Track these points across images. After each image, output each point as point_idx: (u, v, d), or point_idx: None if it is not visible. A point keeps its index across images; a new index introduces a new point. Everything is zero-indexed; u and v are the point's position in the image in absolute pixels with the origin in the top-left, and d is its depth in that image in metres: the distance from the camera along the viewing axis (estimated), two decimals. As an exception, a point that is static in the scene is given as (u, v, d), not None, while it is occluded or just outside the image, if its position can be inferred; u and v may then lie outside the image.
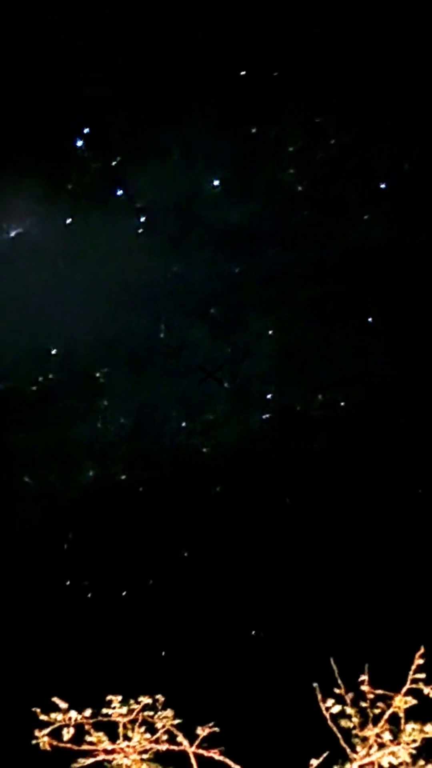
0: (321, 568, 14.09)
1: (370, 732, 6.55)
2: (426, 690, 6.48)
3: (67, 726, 6.66)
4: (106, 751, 6.70)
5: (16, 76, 14.31)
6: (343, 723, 6.64)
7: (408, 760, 6.56)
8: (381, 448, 14.83)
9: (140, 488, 15.11)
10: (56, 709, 6.70)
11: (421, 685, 6.48)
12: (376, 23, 14.26)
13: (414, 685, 6.48)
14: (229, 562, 14.43)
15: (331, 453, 14.94)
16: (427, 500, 14.57)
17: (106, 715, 6.69)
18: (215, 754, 6.71)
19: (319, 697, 6.69)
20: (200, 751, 6.70)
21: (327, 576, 13.93)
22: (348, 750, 6.64)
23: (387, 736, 6.53)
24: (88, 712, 6.69)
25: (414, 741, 6.50)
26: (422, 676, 6.49)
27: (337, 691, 6.67)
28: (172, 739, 6.71)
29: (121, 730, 6.69)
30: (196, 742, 6.69)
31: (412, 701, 6.49)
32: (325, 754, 6.70)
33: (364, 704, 6.60)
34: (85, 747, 6.70)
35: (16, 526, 14.79)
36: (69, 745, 6.69)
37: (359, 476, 14.60)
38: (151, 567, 14.67)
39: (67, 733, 6.67)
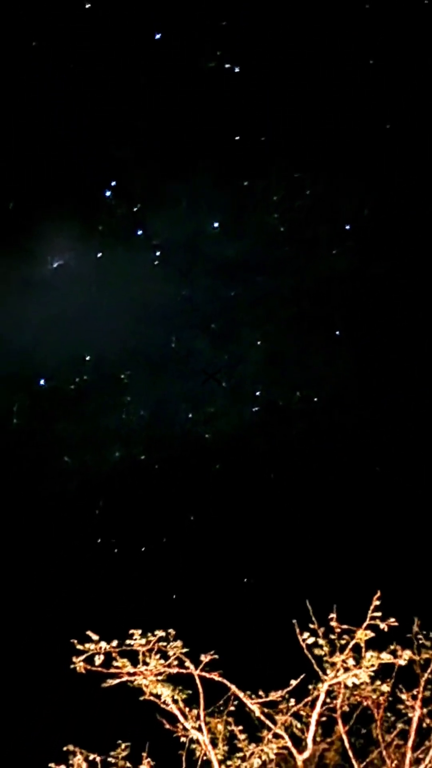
0: (299, 528, 14.08)
1: (338, 658, 6.53)
2: (382, 625, 6.47)
3: (98, 654, 6.65)
4: (129, 674, 6.69)
5: (60, 143, 14.34)
6: (316, 651, 6.63)
7: (367, 680, 6.55)
8: (346, 434, 14.82)
9: (156, 466, 15.09)
10: (89, 640, 6.68)
11: (378, 621, 6.47)
12: (339, 101, 14.30)
13: (372, 621, 6.47)
14: (225, 524, 14.42)
15: (306, 438, 14.94)
16: (382, 475, 14.59)
17: (129, 645, 6.68)
18: (215, 676, 6.70)
19: (297, 630, 6.68)
20: (203, 673, 6.69)
21: (304, 535, 13.93)
22: (320, 673, 6.63)
23: (351, 662, 6.52)
24: (114, 643, 6.68)
25: (372, 666, 6.49)
26: (379, 614, 6.48)
27: (311, 626, 6.66)
28: (181, 664, 6.70)
29: (140, 657, 6.68)
30: (200, 666, 6.68)
31: (370, 634, 6.47)
32: (302, 676, 6.69)
33: (332, 636, 6.59)
34: (112, 670, 6.69)
35: (57, 495, 14.78)
36: (99, 669, 6.67)
37: (329, 456, 14.60)
38: (164, 528, 14.66)
39: (98, 659, 6.66)
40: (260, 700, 6.73)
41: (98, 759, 6.87)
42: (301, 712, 6.76)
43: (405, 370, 14.92)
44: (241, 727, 6.84)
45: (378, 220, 14.87)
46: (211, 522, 14.58)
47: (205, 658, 6.68)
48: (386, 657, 6.47)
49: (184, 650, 6.69)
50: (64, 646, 6.71)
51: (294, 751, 6.71)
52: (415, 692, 6.67)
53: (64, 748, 6.97)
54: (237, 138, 14.53)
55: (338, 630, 6.55)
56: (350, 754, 6.78)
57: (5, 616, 12.76)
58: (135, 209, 15.00)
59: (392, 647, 6.52)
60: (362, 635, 6.45)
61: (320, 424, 15.03)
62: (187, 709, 6.76)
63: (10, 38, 14.08)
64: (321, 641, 6.58)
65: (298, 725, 6.81)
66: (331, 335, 15.27)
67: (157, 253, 15.11)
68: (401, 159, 14.60)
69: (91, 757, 6.89)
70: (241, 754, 6.74)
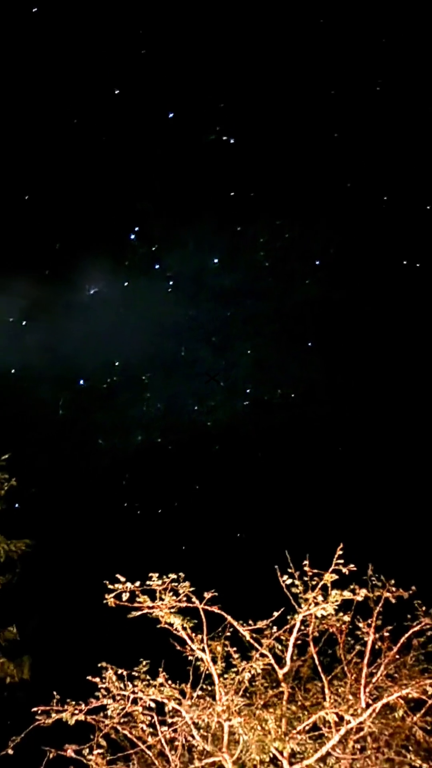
0: (280, 494, 14.07)
1: (310, 595, 6.50)
2: (344, 570, 6.43)
3: (125, 592, 6.61)
4: (149, 607, 6.65)
5: (95, 199, 14.36)
6: (293, 590, 6.59)
7: (333, 612, 6.51)
8: (315, 422, 14.81)
9: (169, 447, 15.08)
10: (118, 581, 6.66)
11: (341, 567, 6.44)
12: (311, 166, 14.33)
13: (336, 567, 6.43)
14: (223, 492, 14.40)
15: (285, 425, 14.93)
16: (344, 453, 14.59)
17: (148, 585, 6.64)
18: (215, 609, 6.66)
19: (278, 573, 6.65)
20: (206, 607, 6.65)
21: (282, 500, 13.91)
22: (296, 606, 6.60)
23: (320, 598, 6.48)
24: (137, 583, 6.64)
25: (336, 601, 6.45)
26: (342, 561, 6.45)
27: (289, 570, 6.63)
28: (188, 600, 6.66)
29: (157, 594, 6.65)
30: (204, 602, 6.64)
31: (335, 576, 6.43)
32: (282, 609, 6.66)
33: (306, 578, 6.56)
34: (135, 605, 6.66)
35: (93, 470, 14.77)
36: (126, 604, 6.65)
37: (303, 439, 14.59)
38: (176, 495, 14.65)
39: (125, 596, 6.62)
40: (250, 628, 6.69)
41: (125, 673, 6.84)
42: (282, 637, 6.72)
43: (362, 373, 14.92)
44: (235, 649, 6.80)
45: (341, 258, 14.89)
46: (212, 490, 14.57)
47: (207, 595, 6.63)
48: (347, 594, 6.43)
49: (191, 589, 6.64)
50: (98, 586, 6.69)
51: (276, 666, 6.68)
52: (369, 621, 6.63)
53: (99, 665, 6.94)
54: (232, 194, 14.55)
55: (310, 573, 6.50)
56: (320, 669, 6.75)
57: (53, 565, 12.74)
58: (153, 249, 15.02)
59: (352, 587, 6.48)
60: (329, 577, 6.41)
61: (296, 414, 15.03)
62: (193, 635, 6.73)
63: (57, 117, 14.10)
64: (297, 582, 6.54)
65: (279, 647, 6.78)
66: (304, 346, 15.28)
67: (170, 283, 15.13)
68: (359, 210, 14.62)
69: (119, 671, 6.86)
70: (235, 669, 6.71)
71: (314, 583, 6.53)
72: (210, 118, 14.22)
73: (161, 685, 6.71)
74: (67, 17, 13.71)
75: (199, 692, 6.74)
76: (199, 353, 15.31)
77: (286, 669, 6.74)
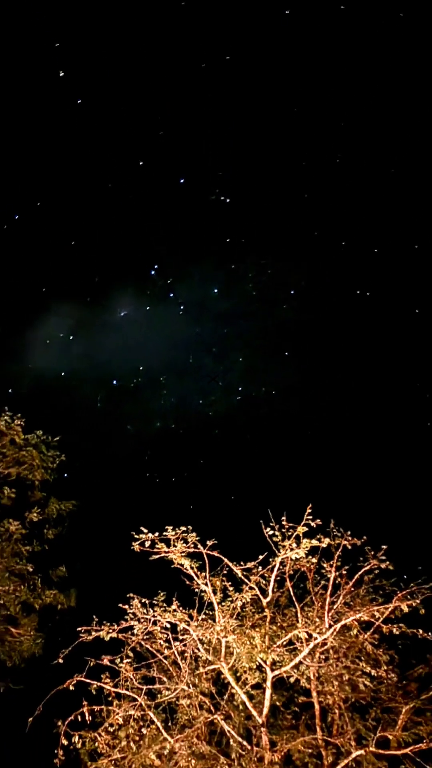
0: (262, 467, 14.06)
1: (286, 543, 6.52)
2: (312, 524, 6.44)
3: (147, 540, 6.62)
4: (165, 552, 6.66)
5: (124, 245, 14.36)
6: (274, 539, 6.61)
7: (304, 555, 6.53)
8: (291, 412, 14.82)
9: (180, 431, 15.07)
10: (142, 532, 6.66)
11: (310, 521, 6.45)
12: (287, 221, 14.41)
13: (306, 521, 6.45)
14: (221, 464, 14.37)
15: (269, 415, 14.94)
16: (312, 437, 14.57)
17: (165, 535, 6.66)
18: (215, 553, 6.68)
19: (263, 526, 6.66)
20: (208, 551, 6.66)
21: (265, 471, 13.89)
22: (276, 551, 6.61)
23: (294, 545, 6.50)
24: (156, 534, 6.65)
25: (306, 547, 6.46)
26: (311, 517, 6.46)
27: (271, 524, 6.64)
28: (195, 546, 6.68)
29: (172, 542, 6.65)
30: (207, 547, 6.66)
31: (305, 528, 6.44)
32: (265, 553, 6.67)
33: (283, 530, 6.57)
34: (155, 550, 6.67)
35: (123, 449, 14.76)
36: (147, 549, 6.66)
37: (281, 425, 14.59)
38: (185, 467, 14.61)
39: (147, 543, 6.64)
40: (241, 567, 6.71)
41: (147, 601, 6.86)
42: (265, 574, 6.74)
43: (327, 376, 14.94)
44: (230, 583, 6.82)
45: (311, 288, 14.94)
46: (213, 464, 14.56)
47: (209, 543, 6.66)
48: (315, 542, 6.46)
49: (197, 538, 6.66)
50: (127, 536, 6.70)
51: (261, 597, 6.70)
52: (331, 563, 6.65)
53: (127, 595, 6.94)
54: (227, 240, 14.57)
55: (287, 526, 6.52)
56: (294, 598, 6.77)
57: (93, 520, 12.70)
58: (168, 282, 15.05)
59: (318, 536, 6.50)
60: (301, 529, 6.42)
61: (277, 407, 15.05)
62: (198, 573, 6.75)
63: (96, 183, 14.13)
64: (277, 533, 6.56)
65: (263, 582, 6.79)
66: (283, 355, 15.31)
67: (181, 307, 15.14)
68: (324, 252, 14.66)
69: (143, 600, 6.88)
70: (230, 599, 6.73)
71: (290, 533, 6.55)
72: (211, 183, 14.27)
73: (174, 610, 6.74)
74: (103, 107, 13.81)
75: (203, 616, 6.77)
76: (203, 360, 15.34)
77: (268, 598, 6.76)
